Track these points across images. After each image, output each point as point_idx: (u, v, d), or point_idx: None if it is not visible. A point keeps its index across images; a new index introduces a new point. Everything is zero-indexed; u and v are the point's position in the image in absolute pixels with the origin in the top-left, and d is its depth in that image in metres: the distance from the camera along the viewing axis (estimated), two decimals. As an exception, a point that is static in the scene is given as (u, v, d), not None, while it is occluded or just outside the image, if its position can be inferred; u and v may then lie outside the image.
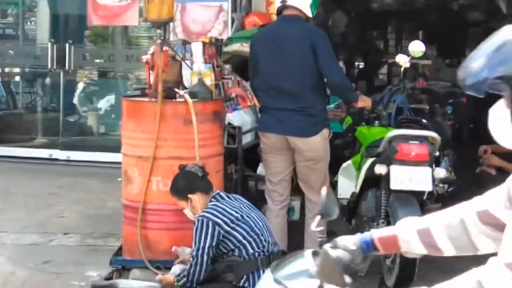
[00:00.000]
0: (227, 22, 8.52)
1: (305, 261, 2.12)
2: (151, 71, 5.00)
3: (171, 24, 8.54)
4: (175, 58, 5.10)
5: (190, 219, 4.93)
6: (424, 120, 6.39)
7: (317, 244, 2.19)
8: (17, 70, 11.24)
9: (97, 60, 10.37)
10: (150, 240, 5.00)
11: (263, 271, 3.66)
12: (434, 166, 4.88)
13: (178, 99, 4.99)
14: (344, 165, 5.95)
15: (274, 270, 2.29)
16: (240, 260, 4.23)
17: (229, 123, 5.64)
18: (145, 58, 5.00)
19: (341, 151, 6.18)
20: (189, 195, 4.31)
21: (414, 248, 2.20)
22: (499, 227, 2.11)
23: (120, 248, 5.35)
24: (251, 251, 4.18)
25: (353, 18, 10.46)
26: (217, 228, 4.16)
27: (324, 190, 2.33)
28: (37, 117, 10.86)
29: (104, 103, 11.38)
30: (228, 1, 8.53)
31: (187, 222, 4.98)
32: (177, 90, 4.98)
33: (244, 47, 7.18)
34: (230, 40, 7.41)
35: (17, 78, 11.22)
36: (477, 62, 1.90)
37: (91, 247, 5.70)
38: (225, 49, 7.05)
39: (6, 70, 11.31)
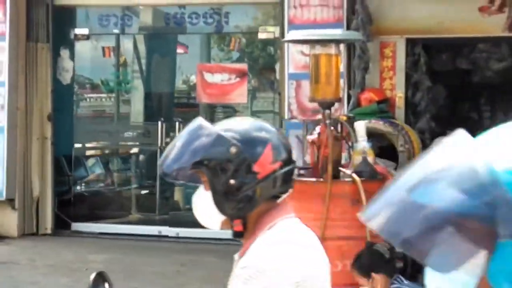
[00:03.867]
0: (343, 99, 8.58)
1: None
2: (316, 151, 5.02)
3: (286, 101, 8.77)
4: (337, 138, 5.12)
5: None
6: None
7: None
8: (116, 148, 11.45)
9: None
10: (318, 321, 4.92)
11: None
12: None
13: (343, 179, 4.99)
14: None
15: None
16: None
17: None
18: (310, 138, 5.04)
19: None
20: (373, 274, 4.22)
21: None
22: None
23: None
24: None
25: (451, 91, 10.46)
26: None
27: None
28: (142, 193, 11.02)
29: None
30: (343, 78, 8.58)
31: (357, 303, 4.93)
32: (342, 169, 4.99)
33: (374, 124, 7.23)
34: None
35: (117, 156, 11.44)
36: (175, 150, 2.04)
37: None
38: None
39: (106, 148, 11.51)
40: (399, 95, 8.47)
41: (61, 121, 9.84)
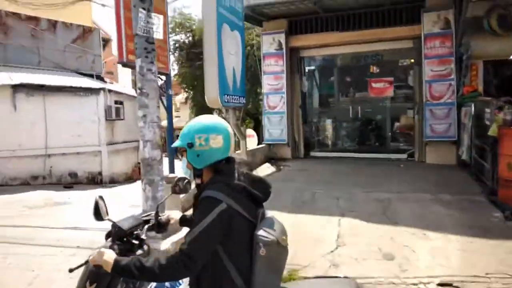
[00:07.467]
0: (454, 93, 14.39)
1: None
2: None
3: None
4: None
5: None
6: None
7: None
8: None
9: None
10: None
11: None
12: None
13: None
14: None
15: None
16: None
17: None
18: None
19: None
20: None
21: None
22: None
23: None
24: None
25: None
26: None
27: None
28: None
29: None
30: (455, 81, 14.55)
31: None
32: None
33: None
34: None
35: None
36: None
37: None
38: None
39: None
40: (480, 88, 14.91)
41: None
